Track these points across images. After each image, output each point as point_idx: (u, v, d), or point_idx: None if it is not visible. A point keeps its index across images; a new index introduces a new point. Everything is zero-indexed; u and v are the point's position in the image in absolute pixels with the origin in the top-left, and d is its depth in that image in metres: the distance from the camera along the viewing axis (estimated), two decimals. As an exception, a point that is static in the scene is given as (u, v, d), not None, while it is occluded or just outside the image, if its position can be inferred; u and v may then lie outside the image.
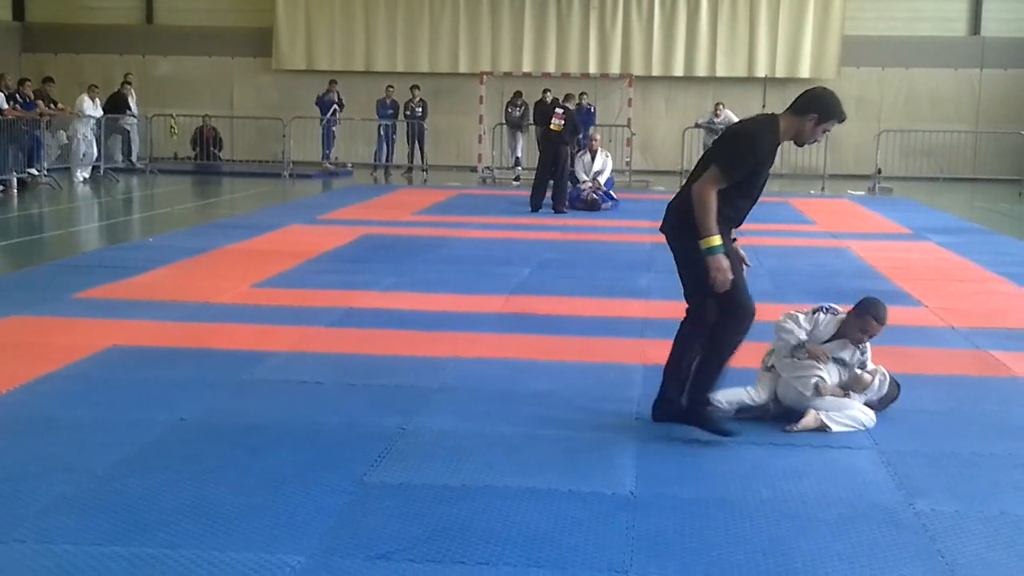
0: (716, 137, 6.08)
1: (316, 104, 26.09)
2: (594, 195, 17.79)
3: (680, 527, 4.65)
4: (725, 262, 5.60)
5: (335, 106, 25.83)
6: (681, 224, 5.77)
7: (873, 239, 14.89)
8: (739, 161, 5.68)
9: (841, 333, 6.25)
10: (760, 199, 5.94)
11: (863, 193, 22.82)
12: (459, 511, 4.75)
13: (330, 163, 25.93)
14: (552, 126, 17.62)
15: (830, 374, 6.18)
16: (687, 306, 6.07)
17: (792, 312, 6.37)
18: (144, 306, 9.11)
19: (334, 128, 26.18)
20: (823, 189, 23.29)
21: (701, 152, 23.95)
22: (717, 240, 5.58)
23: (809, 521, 4.77)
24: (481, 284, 10.56)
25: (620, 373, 7.30)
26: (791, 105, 5.81)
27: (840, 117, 5.81)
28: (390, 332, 8.40)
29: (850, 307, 6.34)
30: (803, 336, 6.20)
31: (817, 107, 5.74)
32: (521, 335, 8.43)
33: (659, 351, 7.85)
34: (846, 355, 6.24)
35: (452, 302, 9.66)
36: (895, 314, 6.92)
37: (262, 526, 4.54)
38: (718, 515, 4.79)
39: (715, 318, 5.87)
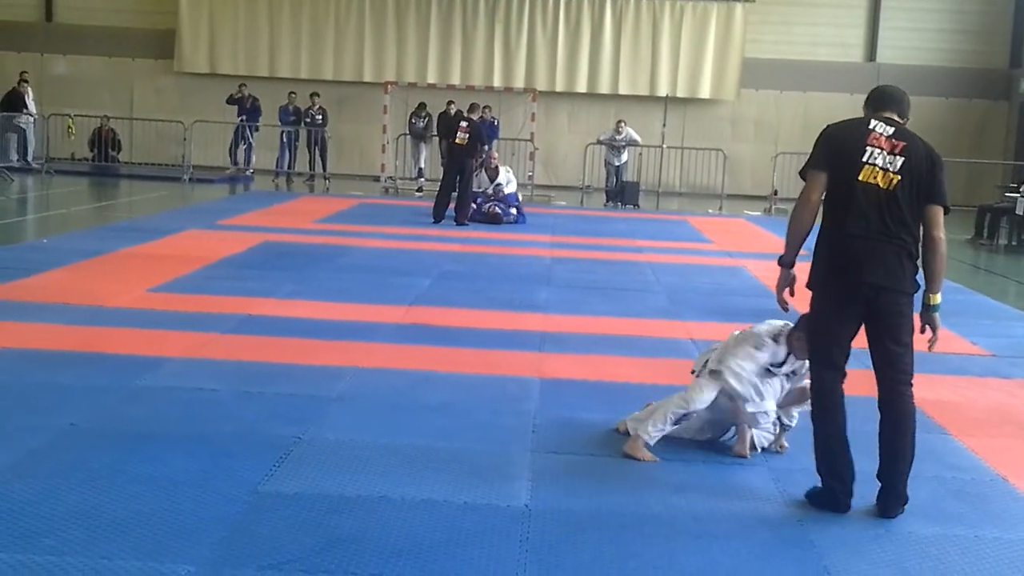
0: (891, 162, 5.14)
1: (228, 103, 25.62)
2: (496, 209, 17.80)
3: (573, 540, 4.69)
4: None
5: (244, 115, 25.43)
6: (903, 274, 5.17)
7: (768, 259, 14.93)
8: None
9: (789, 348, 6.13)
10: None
11: (759, 213, 23.17)
12: (354, 522, 4.74)
13: (237, 167, 25.56)
14: (457, 140, 17.62)
15: (783, 387, 6.04)
16: (901, 377, 5.24)
17: (758, 334, 6.06)
18: (36, 308, 8.95)
19: (251, 138, 25.72)
20: (721, 209, 23.58)
21: (603, 169, 24.48)
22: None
23: (699, 536, 4.84)
24: (381, 294, 10.53)
25: (517, 386, 7.33)
26: (895, 110, 5.34)
27: None
28: (288, 340, 8.34)
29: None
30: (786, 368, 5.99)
31: (910, 109, 5.44)
32: (420, 346, 8.43)
33: (556, 364, 7.97)
34: (797, 367, 6.13)
35: (351, 311, 9.62)
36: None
37: (152, 534, 4.49)
38: (610, 529, 4.85)
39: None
